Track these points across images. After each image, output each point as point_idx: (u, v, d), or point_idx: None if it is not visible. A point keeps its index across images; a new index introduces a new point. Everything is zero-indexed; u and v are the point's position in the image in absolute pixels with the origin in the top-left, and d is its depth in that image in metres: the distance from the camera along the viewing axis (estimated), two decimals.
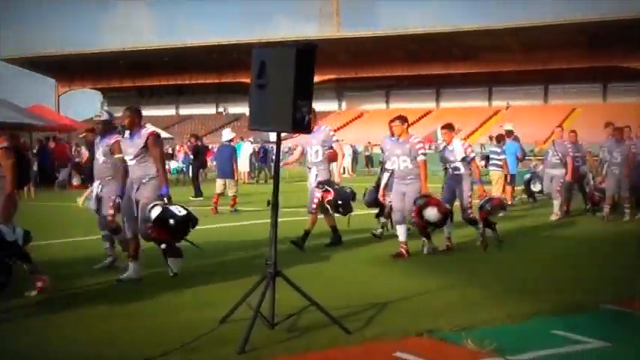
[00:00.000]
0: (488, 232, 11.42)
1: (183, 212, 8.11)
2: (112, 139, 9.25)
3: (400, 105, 75.18)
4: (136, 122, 8.68)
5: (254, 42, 59.33)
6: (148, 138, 8.51)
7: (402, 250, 10.47)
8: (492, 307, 7.09)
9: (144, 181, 8.52)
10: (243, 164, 31.20)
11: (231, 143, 19.36)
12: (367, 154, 46.17)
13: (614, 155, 15.45)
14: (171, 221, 7.95)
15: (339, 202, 11.00)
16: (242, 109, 76.36)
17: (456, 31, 64.96)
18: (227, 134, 19.58)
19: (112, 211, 9.14)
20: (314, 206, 11.15)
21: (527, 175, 17.03)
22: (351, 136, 52.04)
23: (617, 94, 68.78)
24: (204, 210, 16.21)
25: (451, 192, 11.55)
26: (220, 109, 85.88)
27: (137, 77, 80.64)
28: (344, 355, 5.66)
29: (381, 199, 11.88)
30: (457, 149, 11.51)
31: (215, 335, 5.95)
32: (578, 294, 7.77)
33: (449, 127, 11.84)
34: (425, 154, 10.61)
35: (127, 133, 8.73)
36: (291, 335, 6.08)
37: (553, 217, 15.75)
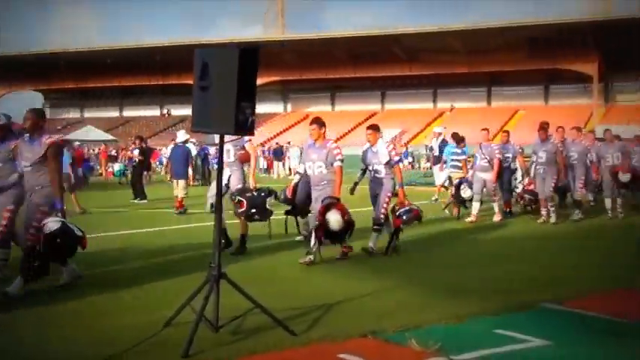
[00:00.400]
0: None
1: (79, 233, 7.88)
2: (11, 144, 8.51)
3: (345, 107, 75.51)
4: (38, 125, 8.10)
5: (198, 43, 58.96)
6: (48, 148, 7.98)
7: (344, 250, 10.42)
8: (435, 308, 7.13)
9: (37, 188, 8.02)
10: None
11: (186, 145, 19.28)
12: None
13: (539, 155, 15.40)
14: (59, 240, 7.66)
15: (253, 211, 10.51)
16: (186, 111, 75.72)
17: (400, 33, 65.36)
18: (182, 135, 19.55)
19: (4, 222, 8.42)
20: (240, 210, 10.56)
21: (457, 181, 16.62)
22: (297, 137, 51.88)
23: (558, 96, 69.97)
24: (148, 213, 16.06)
25: (373, 195, 11.23)
26: (164, 111, 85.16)
27: (80, 79, 79.41)
28: (289, 358, 5.63)
29: (289, 196, 11.48)
30: (381, 152, 11.17)
31: (159, 339, 5.87)
32: (520, 294, 7.85)
33: (374, 127, 11.53)
34: (342, 160, 10.23)
35: (27, 136, 8.17)
36: (235, 338, 6.04)
37: (496, 218, 15.78)
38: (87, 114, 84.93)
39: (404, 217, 11.02)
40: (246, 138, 10.73)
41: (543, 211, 15.29)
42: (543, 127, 15.48)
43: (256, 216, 10.58)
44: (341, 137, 59.07)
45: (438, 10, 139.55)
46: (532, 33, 59.64)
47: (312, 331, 6.27)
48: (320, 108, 77.94)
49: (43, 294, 7.90)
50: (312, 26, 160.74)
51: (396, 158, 11.33)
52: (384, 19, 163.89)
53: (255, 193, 10.69)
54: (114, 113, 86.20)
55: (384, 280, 8.85)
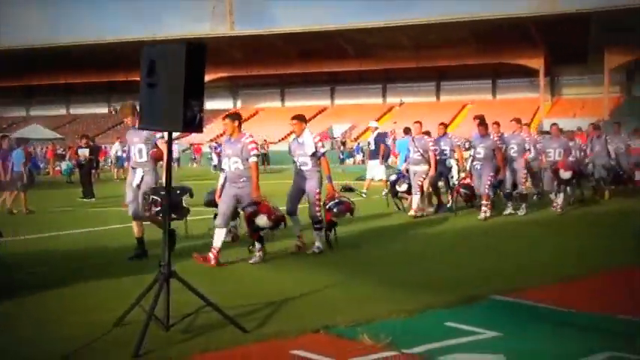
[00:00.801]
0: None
1: None
2: None
3: (295, 103, 75.42)
4: None
5: (145, 40, 58.43)
6: None
7: (209, 255, 9.62)
8: (386, 302, 7.16)
9: None
10: None
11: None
12: (263, 152, 46.02)
13: (477, 150, 15.02)
14: None
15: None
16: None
17: (348, 28, 65.49)
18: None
19: None
20: (155, 210, 9.80)
21: (393, 176, 16.36)
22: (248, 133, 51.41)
23: (506, 90, 70.82)
24: (97, 211, 15.85)
25: (297, 189, 10.92)
26: (112, 108, 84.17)
27: (25, 76, 78.04)
28: (241, 355, 5.61)
29: (217, 200, 10.38)
30: (307, 142, 10.72)
31: (109, 339, 5.81)
32: (468, 286, 7.91)
33: (299, 117, 10.96)
34: (257, 156, 9.91)
35: None
36: (186, 336, 6.01)
37: (411, 213, 15.33)
38: (33, 112, 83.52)
39: (334, 210, 10.77)
40: (159, 135, 10.03)
41: (484, 207, 14.75)
42: (482, 121, 15.22)
43: (173, 215, 9.64)
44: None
45: (386, 6, 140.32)
46: (478, 28, 60.19)
47: (264, 327, 6.27)
48: (270, 104, 77.91)
49: None
50: (261, 22, 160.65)
51: (322, 150, 10.89)
52: (332, 15, 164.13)
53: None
54: (60, 111, 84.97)
55: (335, 274, 8.88)
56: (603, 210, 16.65)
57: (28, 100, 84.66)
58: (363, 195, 19.97)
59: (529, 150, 16.22)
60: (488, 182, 14.75)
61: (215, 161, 41.87)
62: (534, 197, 17.60)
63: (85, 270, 9.38)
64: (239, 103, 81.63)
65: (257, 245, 10.00)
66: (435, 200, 16.19)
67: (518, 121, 16.44)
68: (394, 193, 16.17)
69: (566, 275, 8.58)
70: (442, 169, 16.18)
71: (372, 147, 21.33)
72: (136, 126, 9.58)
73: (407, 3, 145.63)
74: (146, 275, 7.46)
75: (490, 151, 14.81)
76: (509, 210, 15.51)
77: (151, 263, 9.28)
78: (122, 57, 68.18)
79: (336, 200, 10.85)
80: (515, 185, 15.57)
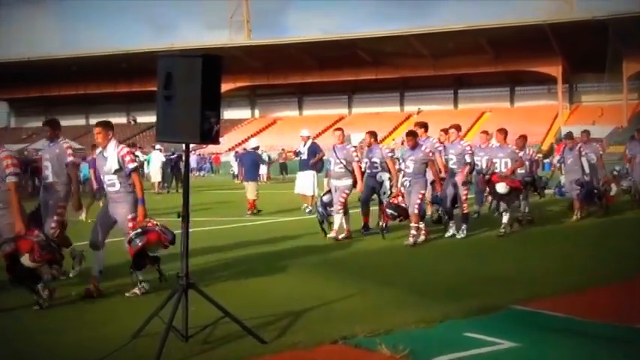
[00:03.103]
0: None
1: None
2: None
3: (313, 111, 75.55)
4: None
5: (163, 50, 58.69)
6: None
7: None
8: (405, 312, 7.14)
9: None
10: (155, 174, 30.64)
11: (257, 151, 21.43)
12: (281, 161, 46.05)
13: (406, 164, 12.70)
14: None
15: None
16: (153, 117, 74.23)
17: (365, 37, 65.55)
18: (253, 142, 22.49)
19: None
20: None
21: (327, 196, 13.86)
22: (265, 143, 51.76)
23: (524, 97, 70.58)
24: None
25: (105, 216, 8.80)
26: (130, 118, 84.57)
27: (45, 87, 78.63)
28: None
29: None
30: (111, 156, 8.56)
31: (128, 350, 5.83)
32: (486, 296, 7.88)
33: (104, 125, 8.83)
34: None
35: None
36: (205, 347, 6.01)
37: (331, 235, 13.22)
38: None
39: (136, 242, 8.12)
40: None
41: (412, 230, 12.38)
42: (411, 133, 13.07)
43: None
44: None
45: (403, 14, 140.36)
46: (496, 35, 60.03)
47: (282, 338, 6.27)
48: (287, 113, 78.02)
49: None
50: (277, 31, 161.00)
51: (131, 165, 8.54)
52: (349, 24, 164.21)
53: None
54: (80, 121, 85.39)
55: (353, 284, 8.85)
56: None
57: (47, 110, 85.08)
58: (307, 211, 18.16)
59: (470, 162, 13.38)
60: (418, 201, 12.42)
61: (236, 170, 41.62)
62: (475, 215, 15.58)
63: (104, 282, 9.39)
64: (257, 113, 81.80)
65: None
66: (336, 221, 13.47)
67: (457, 128, 14.03)
68: (323, 214, 13.66)
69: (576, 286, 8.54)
70: (374, 184, 13.95)
71: (305, 157, 18.88)
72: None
73: (424, 11, 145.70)
74: (156, 289, 7.52)
75: (420, 165, 12.56)
76: (451, 231, 13.43)
77: (172, 273, 9.28)
78: (140, 67, 68.44)
79: (139, 230, 8.21)
80: (455, 202, 13.41)
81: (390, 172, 13.91)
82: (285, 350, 5.93)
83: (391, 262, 10.72)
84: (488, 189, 13.92)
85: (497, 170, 13.74)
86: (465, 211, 13.44)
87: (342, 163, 13.33)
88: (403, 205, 12.71)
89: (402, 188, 12.81)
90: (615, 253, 11.27)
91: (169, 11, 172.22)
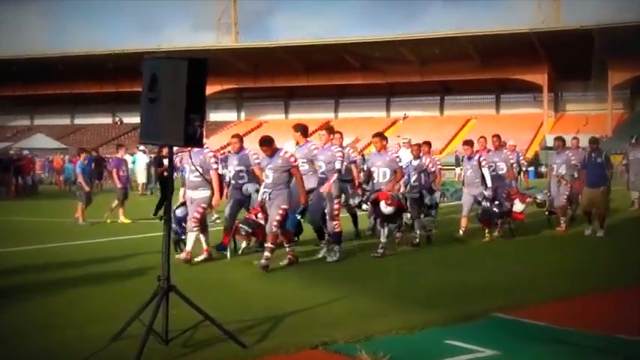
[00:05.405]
0: None
1: None
2: None
3: (299, 115, 75.39)
4: None
5: (150, 51, 58.53)
6: None
7: None
8: (385, 319, 7.15)
9: None
10: (140, 175, 30.60)
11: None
12: None
13: (265, 174, 10.88)
14: None
15: None
16: (138, 118, 74.61)
17: (353, 42, 65.61)
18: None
19: None
20: None
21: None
22: (251, 146, 51.49)
23: (510, 105, 70.78)
24: (98, 222, 15.79)
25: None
26: (116, 119, 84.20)
27: (30, 86, 78.12)
28: None
29: None
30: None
31: (107, 353, 5.81)
32: (467, 304, 7.90)
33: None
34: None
35: None
36: (185, 351, 6.00)
37: (181, 256, 11.11)
38: (37, 122, 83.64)
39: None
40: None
41: (266, 251, 10.49)
42: (265, 141, 10.98)
43: None
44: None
45: (391, 20, 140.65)
46: (482, 42, 60.21)
47: (262, 342, 6.27)
48: (274, 116, 77.87)
49: None
50: (265, 34, 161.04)
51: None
52: (336, 28, 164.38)
53: None
54: (65, 121, 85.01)
55: (335, 289, 8.85)
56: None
57: (32, 109, 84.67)
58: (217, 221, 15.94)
59: (340, 169, 11.52)
60: (278, 218, 10.49)
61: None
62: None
63: (82, 282, 9.35)
64: (243, 115, 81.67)
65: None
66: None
67: (329, 130, 12.36)
68: (177, 232, 11.61)
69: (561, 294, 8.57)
70: (240, 197, 12.18)
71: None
72: None
73: (412, 17, 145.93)
74: (139, 289, 7.49)
75: (281, 174, 10.58)
76: (321, 253, 11.67)
77: (144, 276, 9.26)
78: (127, 67, 68.12)
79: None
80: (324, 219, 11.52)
81: (257, 181, 11.82)
82: (266, 355, 5.93)
83: (373, 270, 10.71)
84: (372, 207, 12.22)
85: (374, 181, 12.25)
86: (337, 230, 11.36)
87: (198, 171, 10.91)
88: (261, 221, 10.98)
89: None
90: (596, 263, 11.32)
91: (157, 12, 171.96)
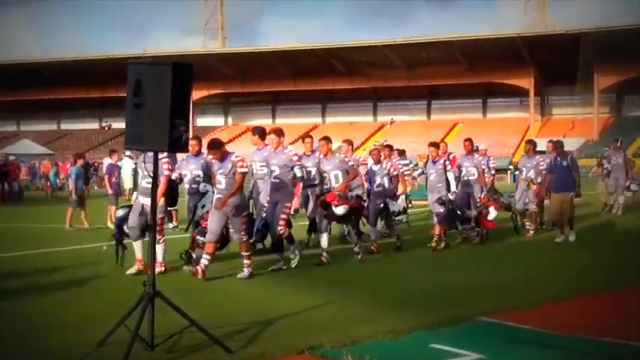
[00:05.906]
0: None
1: None
2: None
3: (286, 120, 75.37)
4: None
5: (136, 56, 58.40)
6: None
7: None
8: (371, 323, 7.14)
9: None
10: (126, 181, 30.44)
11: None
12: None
13: (217, 179, 10.23)
14: None
15: None
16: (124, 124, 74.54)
17: (339, 46, 65.72)
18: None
19: None
20: None
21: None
22: (238, 151, 51.32)
23: (496, 109, 71.09)
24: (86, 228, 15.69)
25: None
26: (103, 124, 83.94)
27: (16, 91, 77.81)
28: None
29: None
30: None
31: (93, 358, 5.79)
32: (453, 308, 7.90)
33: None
34: None
35: None
36: (171, 356, 6.00)
37: (131, 271, 10.42)
38: (23, 127, 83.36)
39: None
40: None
41: (245, 259, 10.20)
42: (214, 144, 10.24)
43: None
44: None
45: (377, 25, 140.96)
46: (469, 47, 60.46)
47: (248, 347, 6.26)
48: (261, 121, 77.60)
49: None
50: (252, 38, 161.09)
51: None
52: (323, 33, 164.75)
53: None
54: (51, 126, 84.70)
55: (323, 293, 8.86)
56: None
57: (19, 115, 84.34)
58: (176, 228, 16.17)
59: (301, 176, 11.05)
60: (244, 227, 10.18)
61: None
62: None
63: (67, 288, 9.32)
64: (230, 120, 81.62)
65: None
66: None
67: (278, 133, 11.37)
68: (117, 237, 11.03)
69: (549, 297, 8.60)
70: (195, 203, 11.20)
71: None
72: None
73: (398, 22, 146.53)
74: (125, 294, 7.48)
75: (231, 179, 10.00)
76: (279, 265, 10.99)
77: (129, 282, 9.23)
78: (113, 73, 67.71)
79: None
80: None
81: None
82: None
83: (358, 274, 10.72)
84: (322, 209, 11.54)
85: (327, 186, 11.81)
86: (284, 234, 10.85)
87: (150, 175, 8.82)
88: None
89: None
90: (583, 266, 11.36)
91: (143, 17, 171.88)
